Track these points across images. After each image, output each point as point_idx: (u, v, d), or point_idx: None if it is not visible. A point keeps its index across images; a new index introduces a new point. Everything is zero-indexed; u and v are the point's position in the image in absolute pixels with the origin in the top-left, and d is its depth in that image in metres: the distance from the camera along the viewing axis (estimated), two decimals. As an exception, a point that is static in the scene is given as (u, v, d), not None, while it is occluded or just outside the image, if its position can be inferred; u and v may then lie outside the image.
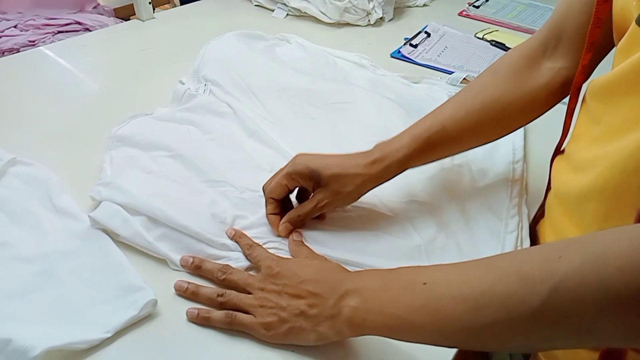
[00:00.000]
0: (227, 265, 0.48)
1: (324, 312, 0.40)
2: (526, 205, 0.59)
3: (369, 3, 1.03)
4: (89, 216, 0.52)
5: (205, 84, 0.73)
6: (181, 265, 0.49)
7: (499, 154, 0.66)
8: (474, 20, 1.16)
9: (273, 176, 0.54)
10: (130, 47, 0.91)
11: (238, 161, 0.62)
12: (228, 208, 0.55)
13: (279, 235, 0.53)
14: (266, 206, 0.54)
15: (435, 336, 0.36)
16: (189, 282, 0.47)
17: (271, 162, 0.62)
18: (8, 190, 0.56)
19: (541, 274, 0.30)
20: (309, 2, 1.03)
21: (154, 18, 1.01)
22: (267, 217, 0.54)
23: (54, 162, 0.60)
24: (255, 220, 0.54)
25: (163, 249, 0.50)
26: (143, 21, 1.00)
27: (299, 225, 0.53)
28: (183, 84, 0.75)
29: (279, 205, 0.54)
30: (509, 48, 0.98)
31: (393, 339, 0.39)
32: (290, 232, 0.52)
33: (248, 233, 0.53)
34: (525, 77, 0.55)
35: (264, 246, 0.51)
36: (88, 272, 0.48)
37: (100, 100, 0.76)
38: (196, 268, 0.49)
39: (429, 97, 0.77)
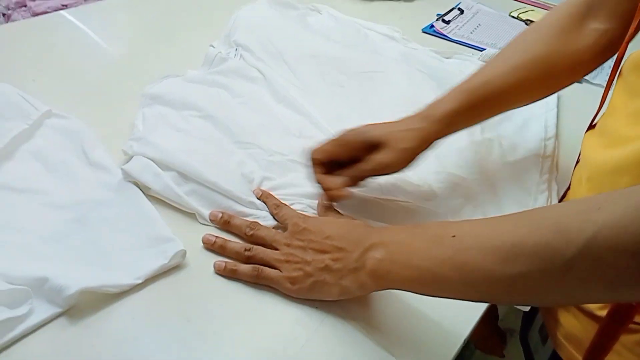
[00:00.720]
0: (255, 222, 0.49)
1: (348, 265, 0.41)
2: (556, 182, 0.58)
3: (403, -23, 1.01)
4: (121, 169, 0.53)
5: (237, 49, 0.73)
6: (210, 220, 0.50)
7: (530, 130, 0.65)
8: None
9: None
10: (161, 8, 0.91)
11: (267, 125, 0.62)
12: (256, 169, 0.55)
13: (328, 191, 0.50)
14: (313, 168, 0.53)
15: (462, 289, 0.36)
16: (216, 236, 0.48)
17: (300, 127, 0.63)
18: (44, 140, 0.57)
19: (578, 224, 0.29)
20: (342, -27, 1.02)
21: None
22: (315, 176, 0.52)
23: (87, 117, 0.61)
24: (282, 182, 0.55)
25: (192, 203, 0.51)
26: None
27: (353, 184, 0.52)
28: (214, 47, 0.75)
29: (325, 168, 0.53)
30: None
31: (417, 293, 0.39)
32: (339, 197, 0.50)
33: (275, 194, 0.53)
34: (571, 36, 0.54)
35: (292, 206, 0.52)
36: (120, 221, 0.49)
37: (132, 61, 0.76)
38: (225, 223, 0.49)
39: (460, 72, 0.76)
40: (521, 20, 1.00)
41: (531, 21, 0.99)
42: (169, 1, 0.95)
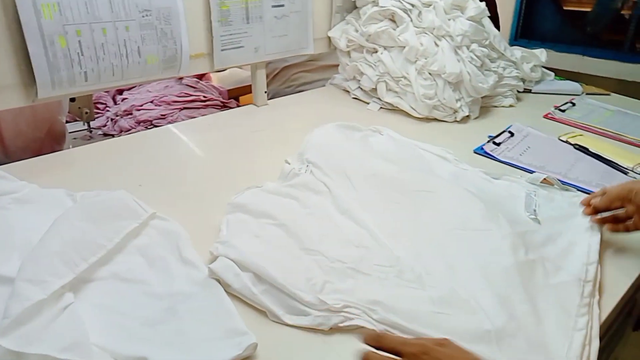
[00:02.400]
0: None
1: None
2: (598, 306, 0.62)
3: (457, 102, 1.13)
4: (208, 267, 0.63)
5: (307, 165, 0.86)
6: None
7: (573, 254, 0.70)
8: (558, 124, 1.22)
9: None
10: (247, 128, 1.08)
11: (330, 234, 0.71)
12: (319, 274, 0.64)
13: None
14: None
15: None
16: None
17: (359, 238, 0.71)
18: (148, 238, 0.69)
19: None
20: (401, 98, 1.16)
21: (267, 104, 1.19)
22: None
23: (182, 220, 0.73)
24: (340, 287, 0.62)
25: (265, 302, 0.59)
26: (258, 107, 1.18)
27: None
28: (289, 163, 0.88)
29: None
30: (592, 152, 1.02)
31: None
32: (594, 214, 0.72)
33: (332, 297, 0.60)
34: None
35: (347, 309, 0.59)
36: (203, 313, 0.59)
37: (221, 172, 0.91)
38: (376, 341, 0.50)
39: (508, 194, 0.84)
40: (570, 144, 1.07)
41: (580, 145, 1.06)
42: (253, 122, 1.12)
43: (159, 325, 0.57)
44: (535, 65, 1.42)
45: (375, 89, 1.20)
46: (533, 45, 1.65)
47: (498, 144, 1.04)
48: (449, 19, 1.12)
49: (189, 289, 0.62)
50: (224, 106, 1.67)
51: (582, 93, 1.46)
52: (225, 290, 0.61)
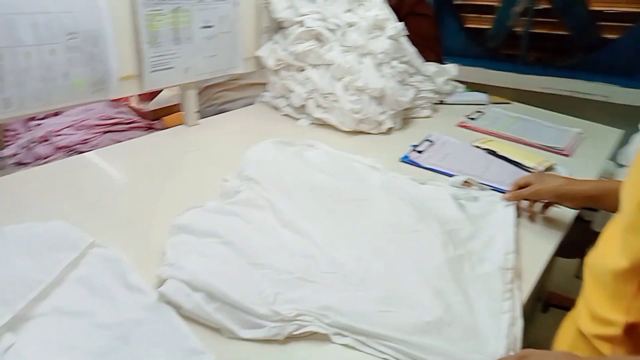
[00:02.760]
0: None
1: None
2: (519, 290, 0.70)
3: (381, 115, 1.21)
4: (158, 291, 0.63)
5: (248, 182, 0.87)
6: None
7: (495, 246, 0.78)
8: (470, 131, 1.34)
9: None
10: (180, 149, 1.08)
11: (276, 247, 0.74)
12: (269, 287, 0.66)
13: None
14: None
15: None
16: None
17: (303, 248, 0.74)
18: (89, 268, 0.68)
19: None
20: (330, 113, 1.22)
21: (198, 124, 1.19)
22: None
23: (121, 246, 0.72)
24: (291, 297, 0.65)
25: (220, 319, 0.60)
26: (189, 127, 1.18)
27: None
28: (227, 181, 0.90)
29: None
30: (501, 155, 1.14)
31: None
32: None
33: (284, 307, 0.63)
34: None
35: (300, 317, 0.62)
36: (157, 338, 0.58)
37: (157, 195, 0.90)
38: None
39: (434, 197, 0.91)
40: (481, 148, 1.19)
41: (490, 150, 1.17)
42: (186, 143, 1.12)
43: (111, 355, 0.56)
44: (447, 79, 1.55)
45: (304, 106, 1.25)
46: (443, 60, 1.80)
47: (420, 152, 1.13)
48: (371, 38, 1.20)
49: (139, 315, 0.61)
50: (150, 128, 1.64)
51: (489, 103, 1.61)
52: (177, 313, 0.62)
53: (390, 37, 1.22)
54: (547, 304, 1.50)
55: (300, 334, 0.60)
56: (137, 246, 0.74)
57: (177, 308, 0.62)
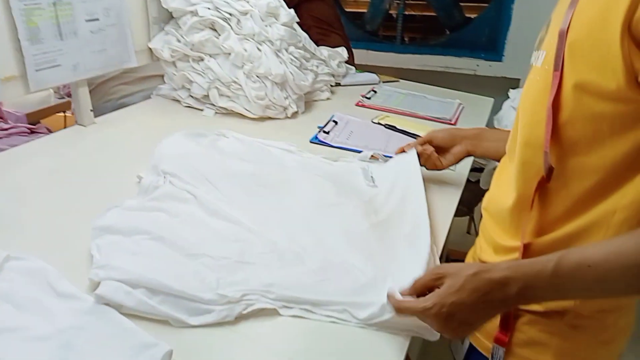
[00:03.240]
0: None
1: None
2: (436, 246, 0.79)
3: (285, 100, 1.24)
4: (95, 294, 0.61)
5: (165, 177, 0.86)
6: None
7: (409, 204, 0.87)
8: (368, 109, 1.43)
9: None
10: (80, 150, 1.01)
11: (208, 237, 0.75)
12: (210, 274, 0.67)
13: None
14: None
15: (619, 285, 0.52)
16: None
17: (235, 233, 0.76)
18: (9, 283, 0.63)
19: None
20: (234, 101, 1.22)
21: (94, 123, 1.12)
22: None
23: (42, 255, 0.68)
24: (233, 280, 0.67)
25: (167, 310, 0.60)
26: (85, 127, 1.11)
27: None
28: (142, 178, 0.87)
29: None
30: (399, 129, 1.25)
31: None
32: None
33: (229, 290, 0.65)
34: None
35: (246, 297, 0.64)
36: (104, 339, 0.57)
37: (65, 201, 0.84)
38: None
39: (348, 171, 0.98)
40: (381, 124, 1.28)
41: (389, 125, 1.27)
42: (85, 144, 1.05)
43: (58, 364, 0.53)
44: (340, 62, 1.62)
45: (207, 96, 1.23)
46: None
47: (327, 132, 1.19)
48: (266, 26, 1.22)
49: (79, 321, 0.59)
50: (33, 132, 1.49)
51: (380, 82, 1.72)
52: (120, 312, 0.60)
53: (285, 24, 1.26)
54: (448, 259, 1.67)
55: (249, 312, 0.63)
56: (59, 254, 0.70)
57: (119, 308, 0.61)
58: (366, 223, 0.80)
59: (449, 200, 0.94)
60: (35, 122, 1.88)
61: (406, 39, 3.11)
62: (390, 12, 3.03)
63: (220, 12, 1.19)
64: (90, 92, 1.27)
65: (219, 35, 1.20)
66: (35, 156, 0.98)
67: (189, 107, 1.27)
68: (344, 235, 0.78)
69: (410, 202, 0.85)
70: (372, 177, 0.96)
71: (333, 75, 1.56)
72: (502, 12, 2.59)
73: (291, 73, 1.24)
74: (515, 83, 2.57)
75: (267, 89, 1.21)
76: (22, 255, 0.67)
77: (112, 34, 1.12)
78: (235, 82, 1.19)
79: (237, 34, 1.20)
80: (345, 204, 0.85)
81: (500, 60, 2.63)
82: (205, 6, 1.19)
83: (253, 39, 1.21)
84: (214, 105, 1.24)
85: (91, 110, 1.12)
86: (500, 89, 1.72)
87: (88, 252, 0.69)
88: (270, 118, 1.25)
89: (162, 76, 1.35)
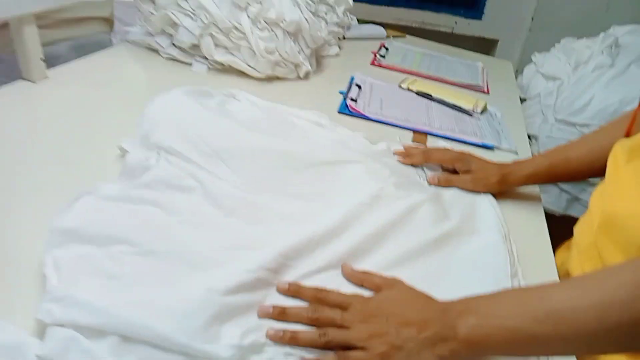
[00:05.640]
0: (317, 304, 0.46)
1: (438, 333, 0.41)
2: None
3: (299, 55, 0.98)
4: (36, 356, 0.36)
5: (159, 152, 0.60)
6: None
7: (482, 210, 0.66)
8: (387, 70, 1.19)
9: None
10: (30, 116, 0.72)
11: (218, 248, 0.50)
12: (227, 312, 0.43)
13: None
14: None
15: (560, 345, 0.40)
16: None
17: (256, 239, 0.51)
18: None
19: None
20: (235, 54, 0.95)
21: (47, 77, 0.83)
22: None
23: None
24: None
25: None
26: (34, 82, 0.81)
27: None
28: (126, 151, 0.61)
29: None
30: (436, 98, 1.02)
31: (510, 355, 0.43)
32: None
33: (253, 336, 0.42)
34: None
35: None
36: None
37: (19, 182, 0.57)
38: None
39: (394, 159, 0.74)
40: (412, 91, 1.05)
41: (421, 92, 1.04)
42: (36, 104, 0.76)
43: None
44: (345, 9, 1.35)
45: (197, 45, 0.95)
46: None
47: (355, 100, 0.94)
48: (277, -45, 0.94)
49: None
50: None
51: (389, 37, 1.48)
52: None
53: (300, -44, 0.98)
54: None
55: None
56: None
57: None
58: (435, 231, 0.58)
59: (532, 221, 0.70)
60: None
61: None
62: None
63: None
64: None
65: (216, -37, 0.92)
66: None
67: (172, 59, 0.99)
68: (414, 244, 0.55)
69: (481, 212, 0.64)
70: (423, 169, 0.73)
71: (340, 26, 1.29)
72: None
73: (307, 20, 0.97)
74: (494, 44, 2.40)
75: (277, 41, 0.94)
76: None
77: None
78: (236, 28, 0.92)
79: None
80: (409, 199, 0.61)
81: (480, 19, 2.43)
82: None
83: (261, -29, 0.93)
84: (206, 58, 0.96)
85: (42, 60, 0.82)
86: (477, 49, 1.53)
87: (38, 270, 0.44)
88: (277, 78, 0.99)
89: (104, 19, 1.04)
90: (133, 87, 0.90)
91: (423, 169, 0.73)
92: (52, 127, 0.70)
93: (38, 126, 0.70)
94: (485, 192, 0.69)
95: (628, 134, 0.60)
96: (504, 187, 0.70)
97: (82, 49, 1.06)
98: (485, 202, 0.67)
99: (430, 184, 0.70)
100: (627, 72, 1.15)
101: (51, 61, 0.85)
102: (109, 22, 1.25)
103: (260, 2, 0.92)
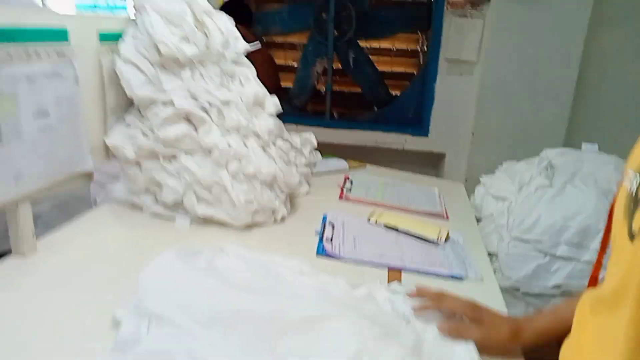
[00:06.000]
0: None
1: None
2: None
3: (275, 201, 1.06)
4: None
5: (150, 320, 0.63)
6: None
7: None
8: (354, 203, 1.29)
9: None
10: (23, 291, 0.74)
11: None
12: None
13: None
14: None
15: None
16: None
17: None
18: None
19: None
20: (216, 208, 1.02)
21: (36, 250, 0.85)
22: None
23: None
24: None
25: None
26: (25, 256, 0.83)
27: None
28: (120, 320, 0.63)
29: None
30: (402, 230, 1.11)
31: None
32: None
33: None
34: None
35: None
36: None
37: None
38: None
39: (375, 305, 0.79)
40: (381, 224, 1.14)
41: (390, 225, 1.13)
42: (27, 279, 0.79)
43: None
44: (311, 149, 1.48)
45: (179, 202, 1.02)
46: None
47: (331, 239, 1.02)
48: (252, 117, 1.06)
49: None
50: None
51: (348, 168, 1.60)
52: None
53: (271, 114, 1.11)
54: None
55: None
56: None
57: None
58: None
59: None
60: None
61: (335, 114, 3.11)
62: (318, 88, 3.05)
63: (199, 101, 1.01)
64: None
65: (196, 128, 1.02)
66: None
67: (156, 216, 1.04)
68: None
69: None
70: (404, 313, 0.79)
71: (308, 165, 1.41)
72: (426, 90, 2.70)
73: (281, 170, 1.07)
74: (441, 157, 2.65)
75: (256, 191, 1.02)
76: None
77: (63, 130, 0.89)
78: (218, 184, 1.00)
79: (219, 127, 1.02)
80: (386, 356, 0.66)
81: (426, 136, 2.70)
82: (180, 94, 1.00)
83: (238, 133, 1.03)
84: (189, 213, 1.02)
85: (34, 236, 0.85)
86: (427, 163, 1.71)
87: None
88: (256, 225, 1.05)
89: (85, 175, 1.09)
90: (120, 249, 0.93)
91: (408, 315, 0.78)
92: (44, 302, 0.72)
93: (31, 302, 0.72)
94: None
95: (593, 279, 0.64)
96: (516, 344, 0.71)
97: (65, 208, 1.11)
98: (465, 353, 0.72)
99: (439, 332, 0.72)
100: (564, 191, 1.31)
101: (34, 222, 0.88)
102: (89, 176, 1.31)
103: (239, 159, 1.01)
